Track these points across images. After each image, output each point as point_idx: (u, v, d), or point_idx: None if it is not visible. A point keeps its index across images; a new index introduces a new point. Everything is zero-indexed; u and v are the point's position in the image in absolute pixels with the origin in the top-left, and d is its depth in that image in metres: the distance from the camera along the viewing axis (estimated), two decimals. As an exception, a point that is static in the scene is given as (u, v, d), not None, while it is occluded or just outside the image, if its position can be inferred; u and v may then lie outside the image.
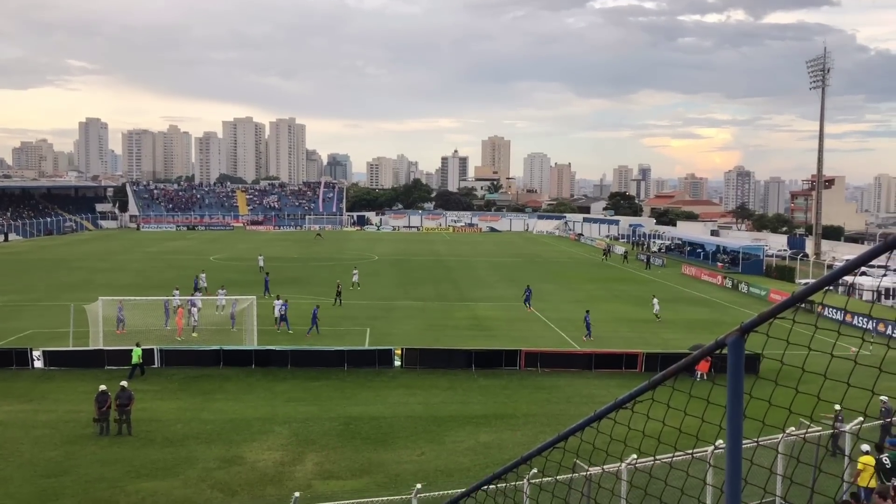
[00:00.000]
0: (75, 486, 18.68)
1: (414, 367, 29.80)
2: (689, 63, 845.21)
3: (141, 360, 28.44)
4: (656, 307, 42.21)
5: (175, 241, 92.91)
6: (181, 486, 18.77)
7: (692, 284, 59.10)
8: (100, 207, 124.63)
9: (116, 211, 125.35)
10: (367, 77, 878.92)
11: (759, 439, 4.20)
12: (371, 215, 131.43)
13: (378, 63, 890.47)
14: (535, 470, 9.79)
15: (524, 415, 24.63)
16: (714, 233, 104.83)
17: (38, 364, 29.37)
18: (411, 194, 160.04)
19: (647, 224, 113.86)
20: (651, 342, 35.22)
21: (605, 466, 8.97)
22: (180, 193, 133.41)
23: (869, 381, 2.99)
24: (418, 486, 14.86)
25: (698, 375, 25.77)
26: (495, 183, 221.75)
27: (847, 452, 16.09)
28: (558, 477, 4.77)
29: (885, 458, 14.79)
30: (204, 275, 48.82)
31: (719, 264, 68.94)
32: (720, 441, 2.77)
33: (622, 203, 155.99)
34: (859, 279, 49.92)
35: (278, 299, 37.99)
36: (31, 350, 29.75)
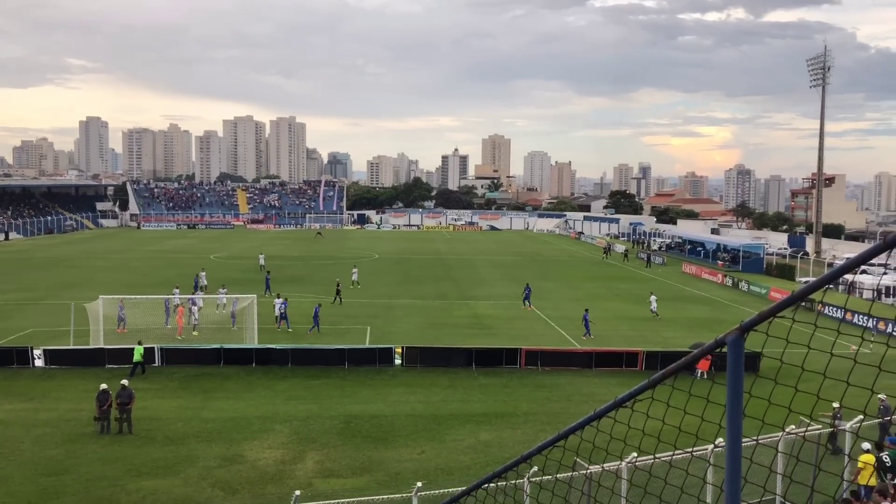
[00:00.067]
0: (76, 484, 18.70)
1: (414, 365, 29.82)
2: (689, 61, 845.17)
3: (142, 359, 28.48)
4: (654, 305, 42.23)
5: (175, 239, 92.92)
6: (182, 484, 18.78)
7: (692, 283, 59.10)
8: (100, 206, 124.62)
9: (117, 210, 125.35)
10: (367, 76, 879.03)
11: (759, 438, 4.21)
12: (371, 214, 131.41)
13: (378, 62, 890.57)
14: (535, 468, 9.80)
15: (524, 413, 24.65)
16: (714, 231, 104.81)
17: (39, 363, 29.39)
18: (412, 193, 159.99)
19: (648, 222, 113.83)
20: (651, 340, 35.22)
21: (605, 465, 8.98)
22: (181, 192, 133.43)
23: (869, 380, 2.99)
24: (419, 484, 14.87)
25: (699, 374, 25.75)
26: (495, 181, 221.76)
27: (847, 451, 16.10)
28: (558, 475, 4.77)
29: (885, 457, 14.80)
30: (204, 273, 48.83)
31: (720, 263, 68.93)
32: (720, 439, 2.78)
33: (622, 201, 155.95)
34: (859, 277, 49.91)
35: (279, 298, 38.00)
36: (32, 349, 29.77)
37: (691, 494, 3.82)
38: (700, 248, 78.15)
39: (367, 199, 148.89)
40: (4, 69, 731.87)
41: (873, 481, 14.15)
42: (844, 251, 74.31)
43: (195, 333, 35.11)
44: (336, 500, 16.16)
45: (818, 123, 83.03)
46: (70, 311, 32.31)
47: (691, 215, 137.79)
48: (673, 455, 3.62)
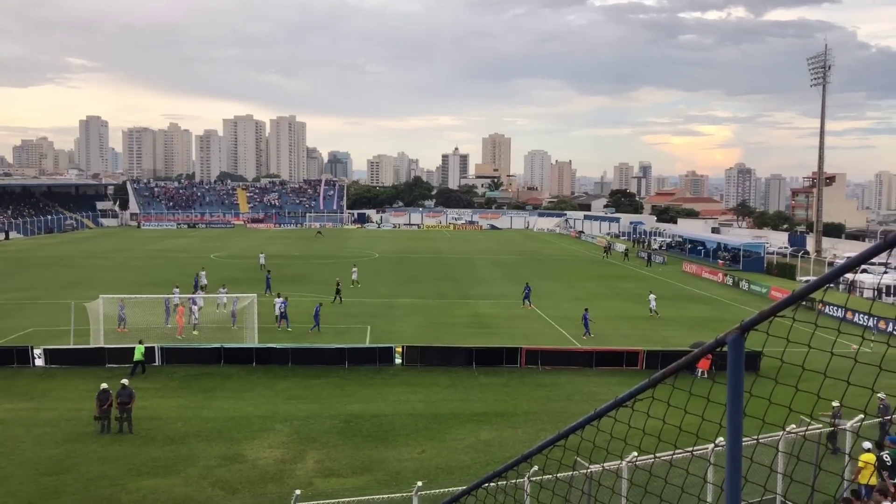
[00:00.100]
0: (76, 484, 18.71)
1: (414, 364, 29.82)
2: (689, 60, 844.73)
3: (143, 358, 28.50)
4: (652, 304, 42.27)
5: (176, 238, 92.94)
6: (182, 483, 18.79)
7: (693, 282, 59.10)
8: (100, 205, 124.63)
9: (117, 209, 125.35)
10: (367, 75, 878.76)
11: (760, 437, 4.20)
12: (371, 213, 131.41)
13: (379, 61, 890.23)
14: (535, 467, 9.80)
15: (525, 412, 24.65)
16: (715, 230, 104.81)
17: (39, 362, 29.40)
18: (412, 192, 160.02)
19: (648, 221, 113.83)
20: (652, 339, 35.23)
21: (605, 464, 8.98)
22: (181, 191, 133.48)
23: (869, 379, 2.99)
24: (419, 483, 14.88)
25: (699, 373, 25.75)
26: (496, 180, 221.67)
27: (847, 450, 16.10)
28: (559, 475, 4.77)
29: (885, 456, 14.80)
30: (204, 272, 48.84)
31: (720, 262, 68.94)
32: (720, 439, 2.77)
33: (623, 200, 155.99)
34: (860, 277, 49.90)
35: (279, 297, 38.01)
36: (32, 348, 29.78)
37: (692, 494, 3.82)
38: (700, 248, 78.16)
39: (368, 198, 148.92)
40: (4, 68, 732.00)
41: (874, 480, 14.15)
42: (845, 250, 74.30)
43: (195, 333, 35.12)
44: (336, 500, 16.17)
45: (819, 122, 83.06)
46: (70, 310, 32.32)
47: (692, 214, 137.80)
48: (673, 454, 3.62)
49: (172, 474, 19.34)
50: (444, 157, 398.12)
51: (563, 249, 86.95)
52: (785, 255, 71.05)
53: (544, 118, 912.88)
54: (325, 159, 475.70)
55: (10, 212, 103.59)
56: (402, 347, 30.43)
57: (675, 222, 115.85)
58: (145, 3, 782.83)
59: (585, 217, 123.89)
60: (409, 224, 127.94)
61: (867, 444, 15.41)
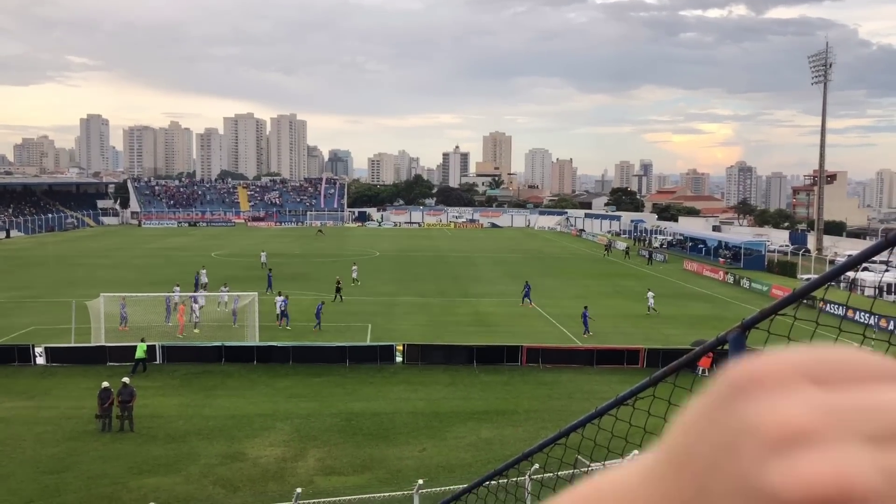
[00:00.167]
0: (77, 482, 18.73)
1: (415, 363, 29.83)
2: (690, 58, 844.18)
3: (145, 356, 28.52)
4: (650, 301, 42.30)
5: (176, 237, 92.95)
6: (183, 482, 18.81)
7: (694, 280, 59.07)
8: (101, 204, 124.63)
9: (118, 207, 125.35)
10: (367, 73, 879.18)
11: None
12: (372, 211, 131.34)
13: (379, 59, 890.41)
14: (536, 466, 9.80)
15: (525, 411, 24.65)
16: (716, 228, 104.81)
17: (41, 360, 29.41)
18: (412, 190, 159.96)
19: (649, 220, 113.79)
20: (652, 338, 35.21)
21: (606, 462, 9.00)
22: (181, 190, 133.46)
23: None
24: (420, 481, 14.90)
25: (700, 371, 25.78)
26: (496, 179, 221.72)
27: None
28: (560, 473, 4.77)
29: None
30: (205, 271, 48.85)
31: (721, 260, 68.91)
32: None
33: (624, 199, 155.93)
34: (861, 275, 49.88)
35: (279, 296, 38.02)
36: (34, 346, 29.80)
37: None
38: (701, 246, 78.12)
39: (368, 196, 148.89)
40: (5, 67, 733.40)
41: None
42: (846, 248, 74.26)
43: (196, 331, 35.13)
44: (337, 498, 16.19)
45: (820, 120, 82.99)
46: (71, 308, 32.34)
47: (693, 212, 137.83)
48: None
49: (173, 472, 19.35)
50: (445, 155, 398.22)
51: (564, 248, 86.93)
52: (786, 254, 71.07)
53: (545, 116, 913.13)
54: (326, 157, 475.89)
55: (11, 210, 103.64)
56: (403, 346, 30.43)
57: (676, 220, 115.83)
58: (145, 2, 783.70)
59: (586, 215, 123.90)
60: (410, 222, 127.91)
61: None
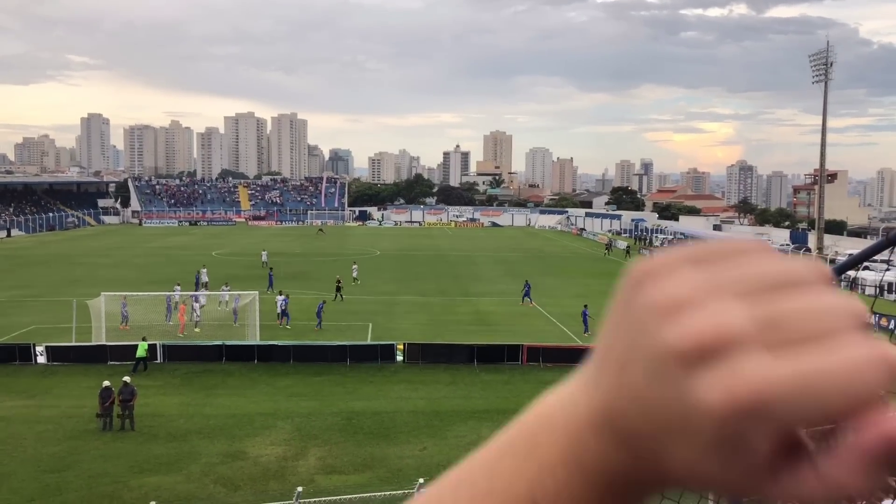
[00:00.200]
0: (78, 481, 18.74)
1: (416, 361, 29.83)
2: (691, 57, 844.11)
3: (147, 354, 28.54)
4: None
5: (177, 236, 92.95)
6: (184, 480, 18.82)
7: (694, 279, 59.00)
8: (102, 203, 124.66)
9: (118, 206, 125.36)
10: (368, 72, 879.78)
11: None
12: (373, 210, 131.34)
13: (379, 58, 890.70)
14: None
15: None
16: (717, 227, 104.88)
17: (41, 359, 29.42)
18: (413, 189, 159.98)
19: (650, 219, 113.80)
20: (653, 337, 35.18)
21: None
22: (182, 189, 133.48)
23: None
24: (421, 480, 14.91)
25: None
26: (497, 178, 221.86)
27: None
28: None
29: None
30: (205, 270, 48.84)
31: (721, 259, 68.80)
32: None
33: (624, 198, 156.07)
34: (862, 274, 49.85)
35: (280, 295, 38.03)
36: (34, 346, 29.80)
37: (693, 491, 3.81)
38: (702, 245, 77.98)
39: (369, 195, 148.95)
40: (6, 66, 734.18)
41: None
42: (847, 247, 74.22)
43: (197, 330, 35.15)
44: (338, 497, 16.20)
45: (821, 119, 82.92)
46: (72, 307, 32.36)
47: (693, 211, 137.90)
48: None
49: (174, 471, 19.37)
50: (446, 154, 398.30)
51: (565, 247, 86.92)
52: (787, 253, 70.87)
53: (545, 115, 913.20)
54: (327, 156, 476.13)
55: (11, 209, 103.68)
56: (404, 345, 30.44)
57: (677, 219, 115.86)
58: (145, 1, 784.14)
59: (587, 214, 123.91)
60: (411, 221, 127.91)
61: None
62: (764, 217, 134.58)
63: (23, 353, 29.53)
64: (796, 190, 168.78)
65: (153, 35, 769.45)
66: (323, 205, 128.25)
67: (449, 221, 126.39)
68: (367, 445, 21.23)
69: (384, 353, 30.13)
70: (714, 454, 0.45)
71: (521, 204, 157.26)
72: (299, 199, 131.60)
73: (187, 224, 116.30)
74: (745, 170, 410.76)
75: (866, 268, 50.02)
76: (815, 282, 0.48)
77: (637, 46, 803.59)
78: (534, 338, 33.55)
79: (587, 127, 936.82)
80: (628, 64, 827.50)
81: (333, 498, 16.10)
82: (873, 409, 0.44)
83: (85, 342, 30.95)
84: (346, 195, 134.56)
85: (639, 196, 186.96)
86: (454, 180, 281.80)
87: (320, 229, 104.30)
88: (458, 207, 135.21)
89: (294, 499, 14.77)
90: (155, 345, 29.85)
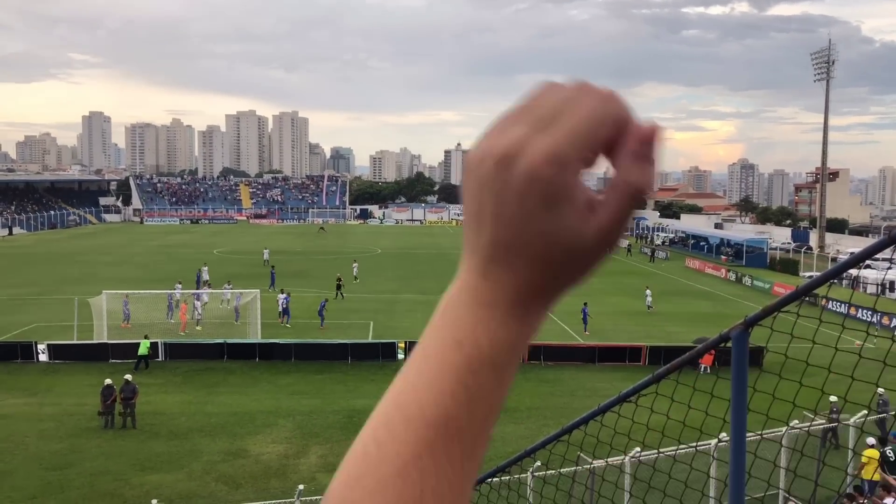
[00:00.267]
0: (80, 478, 18.77)
1: (418, 359, 29.78)
2: (692, 55, 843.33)
3: (148, 352, 28.56)
4: (648, 299, 42.31)
5: (178, 234, 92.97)
6: (186, 478, 18.84)
7: (696, 277, 59.02)
8: (103, 201, 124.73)
9: (120, 204, 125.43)
10: (369, 70, 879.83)
11: (763, 432, 4.21)
12: (374, 209, 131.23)
13: (381, 56, 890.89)
14: (538, 463, 9.81)
15: (527, 408, 24.65)
16: (718, 226, 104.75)
17: (43, 357, 29.45)
18: (414, 187, 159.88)
19: (651, 217, 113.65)
20: (654, 335, 35.19)
21: (609, 459, 9.00)
22: (184, 187, 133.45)
23: (873, 375, 2.99)
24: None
25: (702, 369, 25.74)
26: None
27: (851, 446, 16.09)
28: (562, 470, 4.78)
29: (889, 451, 14.80)
30: (206, 268, 48.84)
31: (723, 257, 68.84)
32: (724, 434, 2.77)
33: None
34: (864, 272, 49.79)
35: (282, 293, 38.05)
36: (36, 343, 29.84)
37: (695, 489, 3.82)
38: (703, 243, 78.01)
39: (370, 193, 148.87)
40: (7, 64, 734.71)
41: (877, 476, 14.15)
42: (848, 246, 74.12)
43: (198, 328, 35.18)
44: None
45: (822, 117, 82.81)
46: (74, 305, 32.38)
47: (695, 210, 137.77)
48: (677, 450, 3.63)
49: (176, 469, 19.38)
50: (447, 152, 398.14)
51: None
52: (788, 251, 70.97)
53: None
54: (328, 155, 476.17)
55: (13, 208, 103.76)
56: (405, 343, 30.43)
57: (678, 218, 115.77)
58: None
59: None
60: (412, 220, 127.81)
61: (871, 440, 15.40)
62: (765, 215, 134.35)
63: (24, 352, 29.56)
64: (798, 188, 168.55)
65: (155, 33, 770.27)
66: (324, 203, 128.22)
67: (450, 220, 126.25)
68: (369, 443, 21.22)
69: (385, 352, 30.12)
70: (554, 212, 0.62)
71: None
72: (300, 197, 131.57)
73: (188, 222, 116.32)
74: (746, 168, 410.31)
75: (868, 266, 49.94)
76: (585, 92, 0.65)
77: (639, 44, 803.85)
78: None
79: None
80: (630, 62, 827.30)
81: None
82: (624, 127, 0.64)
83: (86, 340, 30.97)
84: (348, 193, 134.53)
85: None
86: (455, 178, 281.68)
87: (321, 227, 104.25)
88: (459, 206, 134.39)
89: (295, 497, 14.78)
90: (156, 343, 29.87)
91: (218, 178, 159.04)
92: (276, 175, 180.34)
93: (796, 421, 11.32)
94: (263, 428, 22.46)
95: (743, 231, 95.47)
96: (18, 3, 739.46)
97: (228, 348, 30.16)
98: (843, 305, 36.99)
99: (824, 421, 16.47)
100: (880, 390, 18.41)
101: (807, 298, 2.42)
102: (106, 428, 22.20)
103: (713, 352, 3.27)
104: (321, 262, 62.68)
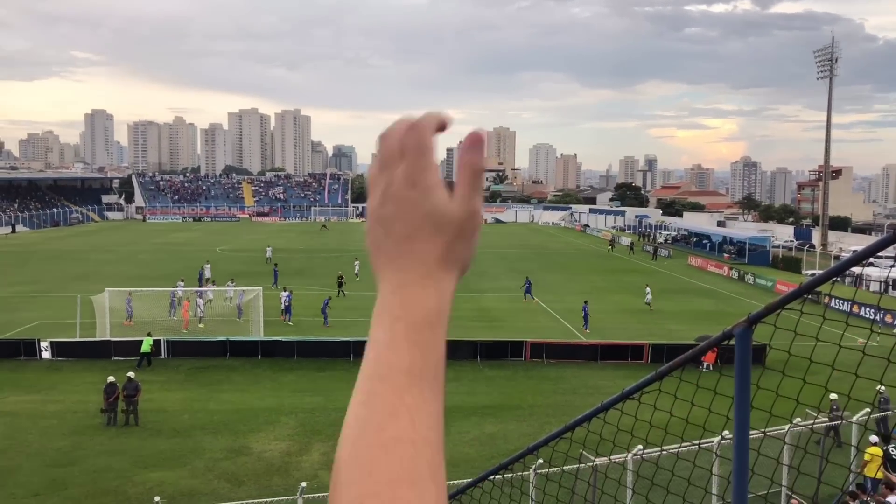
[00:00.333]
0: (83, 476, 18.81)
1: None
2: (695, 53, 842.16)
3: (151, 350, 28.59)
4: (648, 297, 42.33)
5: (181, 232, 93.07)
6: (188, 476, 18.88)
7: (698, 275, 58.98)
8: (106, 199, 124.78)
9: (122, 202, 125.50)
10: (371, 68, 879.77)
11: (767, 430, 4.21)
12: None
13: (383, 54, 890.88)
14: (541, 460, 9.81)
15: (530, 406, 24.67)
16: (720, 224, 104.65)
17: (46, 355, 29.51)
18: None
19: (654, 215, 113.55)
20: (656, 333, 35.18)
21: (612, 457, 9.01)
22: (186, 185, 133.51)
23: (876, 373, 2.99)
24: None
25: (704, 367, 25.73)
26: (501, 174, 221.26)
27: (855, 443, 16.09)
28: (565, 467, 4.78)
29: (892, 449, 14.79)
30: (209, 266, 48.88)
31: (725, 255, 68.78)
32: (727, 431, 2.77)
33: (628, 194, 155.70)
34: (867, 270, 49.72)
35: (284, 291, 38.08)
36: (39, 341, 29.89)
37: (698, 486, 3.82)
38: (706, 241, 77.94)
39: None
40: (10, 62, 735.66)
41: (880, 474, 14.14)
42: (851, 244, 74.03)
43: (201, 326, 35.23)
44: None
45: (825, 115, 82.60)
46: (76, 303, 32.43)
47: (697, 208, 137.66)
48: (680, 447, 3.62)
49: (178, 467, 19.42)
50: (449, 150, 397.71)
51: (569, 243, 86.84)
52: (791, 249, 70.88)
53: (549, 111, 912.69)
54: (330, 153, 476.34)
55: (16, 205, 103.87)
56: (407, 341, 30.42)
57: (681, 216, 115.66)
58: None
59: (591, 210, 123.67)
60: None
61: (874, 438, 15.39)
62: (768, 213, 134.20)
63: (28, 349, 29.62)
64: (800, 186, 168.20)
65: (157, 31, 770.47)
66: (326, 201, 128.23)
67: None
68: (371, 441, 21.23)
69: (388, 349, 30.08)
70: (429, 198, 0.91)
71: (524, 200, 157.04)
72: (303, 195, 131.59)
73: (191, 220, 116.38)
74: (749, 166, 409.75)
75: (871, 264, 49.87)
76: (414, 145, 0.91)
77: (641, 42, 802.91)
78: (537, 334, 33.55)
79: (591, 123, 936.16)
80: (632, 60, 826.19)
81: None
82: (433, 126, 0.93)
83: (89, 338, 31.02)
84: (350, 191, 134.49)
85: (643, 192, 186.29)
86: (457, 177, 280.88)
87: (323, 225, 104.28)
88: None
89: (298, 494, 14.81)
90: (159, 340, 29.91)
91: (220, 175, 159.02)
92: (279, 173, 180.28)
93: (799, 419, 11.31)
94: (266, 425, 22.49)
95: (745, 229, 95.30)
96: (21, 2, 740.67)
97: (231, 346, 30.19)
98: (845, 303, 36.98)
99: (826, 419, 16.46)
100: (881, 388, 18.42)
101: (809, 296, 2.41)
102: (108, 425, 22.25)
103: (716, 350, 3.27)
104: (323, 260, 62.71)
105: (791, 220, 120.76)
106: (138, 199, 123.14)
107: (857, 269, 45.19)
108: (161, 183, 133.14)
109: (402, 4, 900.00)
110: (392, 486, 0.79)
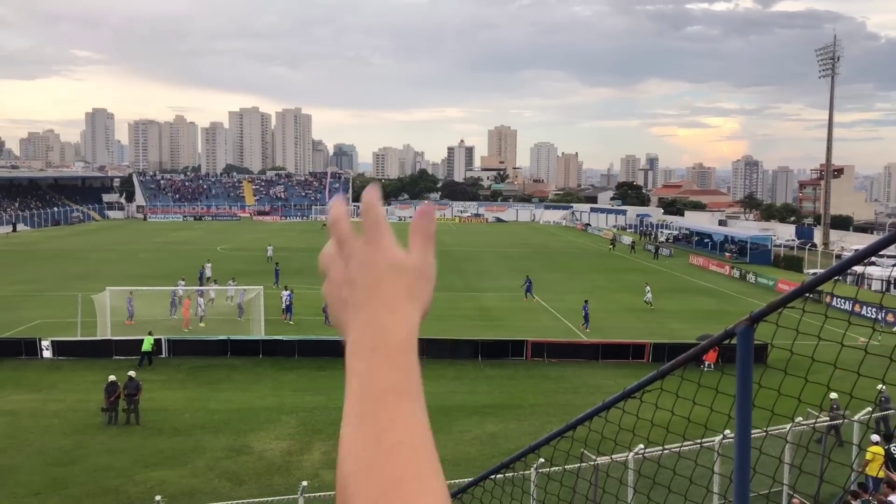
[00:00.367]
0: (84, 474, 18.82)
1: (420, 356, 29.50)
2: (696, 52, 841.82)
3: (152, 349, 28.60)
4: (648, 295, 42.33)
5: (182, 231, 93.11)
6: (189, 475, 18.88)
7: (700, 274, 58.95)
8: (106, 198, 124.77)
9: (123, 201, 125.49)
10: (372, 67, 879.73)
11: (768, 429, 4.21)
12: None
13: (384, 53, 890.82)
14: (542, 459, 9.81)
15: (531, 405, 24.66)
16: (722, 223, 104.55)
17: (47, 354, 29.52)
18: (417, 184, 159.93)
19: (655, 214, 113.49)
20: (657, 332, 35.17)
21: (613, 456, 8.99)
22: (187, 184, 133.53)
23: (878, 372, 2.98)
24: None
25: (706, 365, 25.72)
26: (502, 173, 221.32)
27: (857, 442, 16.08)
28: (566, 466, 4.78)
29: (893, 448, 14.78)
30: (209, 265, 48.90)
31: (727, 254, 68.75)
32: (728, 430, 2.77)
33: (629, 193, 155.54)
34: (869, 269, 49.69)
35: (285, 290, 38.09)
36: (40, 340, 29.90)
37: (699, 485, 3.81)
38: (707, 240, 77.92)
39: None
40: (11, 61, 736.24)
41: (881, 473, 14.13)
42: (853, 243, 73.99)
43: (202, 325, 35.24)
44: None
45: (827, 114, 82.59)
46: (77, 302, 32.44)
47: (699, 207, 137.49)
48: (681, 446, 3.62)
49: (179, 465, 19.43)
50: (450, 149, 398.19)
51: (570, 242, 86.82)
52: (792, 248, 70.82)
53: (550, 110, 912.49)
54: (331, 152, 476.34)
55: (17, 204, 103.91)
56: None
57: (682, 215, 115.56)
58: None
59: (592, 209, 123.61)
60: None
61: (875, 437, 15.38)
62: (770, 212, 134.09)
63: (29, 348, 29.63)
64: (802, 185, 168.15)
65: (157, 30, 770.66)
66: (327, 200, 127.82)
67: (453, 217, 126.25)
68: (372, 440, 21.24)
69: (389, 348, 30.09)
70: (388, 256, 1.08)
71: (525, 199, 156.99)
72: (303, 194, 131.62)
73: (192, 219, 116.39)
74: (750, 165, 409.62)
75: (872, 263, 49.83)
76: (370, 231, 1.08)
77: (642, 41, 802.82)
78: (538, 333, 33.55)
79: (592, 122, 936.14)
80: (633, 59, 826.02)
81: (338, 492, 16.09)
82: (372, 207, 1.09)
83: (90, 337, 31.04)
84: (351, 190, 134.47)
85: (644, 191, 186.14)
86: (458, 175, 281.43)
87: (324, 224, 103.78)
88: (462, 203, 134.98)
89: (299, 493, 14.81)
90: (160, 339, 29.91)
91: (221, 174, 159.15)
92: (280, 172, 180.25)
93: (800, 418, 11.31)
94: (267, 424, 22.50)
95: (747, 228, 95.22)
96: (22, 0, 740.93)
97: (232, 345, 30.20)
98: (847, 302, 36.96)
99: (828, 418, 16.46)
100: (881, 387, 18.40)
101: (811, 295, 2.41)
102: (109, 424, 22.26)
103: (717, 348, 3.26)
104: (324, 259, 62.59)
105: (792, 219, 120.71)
106: (139, 198, 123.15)
107: (858, 268, 45.12)
108: (162, 182, 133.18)
109: (402, 3, 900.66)
110: (399, 483, 0.87)
